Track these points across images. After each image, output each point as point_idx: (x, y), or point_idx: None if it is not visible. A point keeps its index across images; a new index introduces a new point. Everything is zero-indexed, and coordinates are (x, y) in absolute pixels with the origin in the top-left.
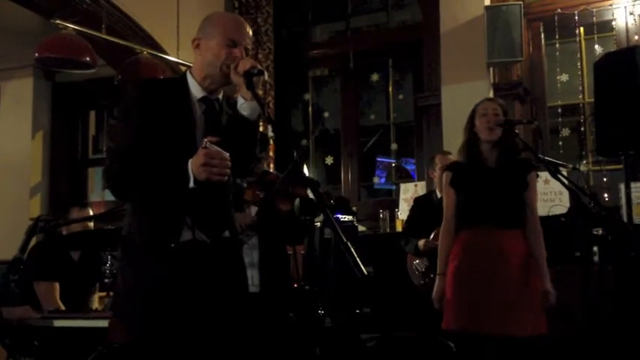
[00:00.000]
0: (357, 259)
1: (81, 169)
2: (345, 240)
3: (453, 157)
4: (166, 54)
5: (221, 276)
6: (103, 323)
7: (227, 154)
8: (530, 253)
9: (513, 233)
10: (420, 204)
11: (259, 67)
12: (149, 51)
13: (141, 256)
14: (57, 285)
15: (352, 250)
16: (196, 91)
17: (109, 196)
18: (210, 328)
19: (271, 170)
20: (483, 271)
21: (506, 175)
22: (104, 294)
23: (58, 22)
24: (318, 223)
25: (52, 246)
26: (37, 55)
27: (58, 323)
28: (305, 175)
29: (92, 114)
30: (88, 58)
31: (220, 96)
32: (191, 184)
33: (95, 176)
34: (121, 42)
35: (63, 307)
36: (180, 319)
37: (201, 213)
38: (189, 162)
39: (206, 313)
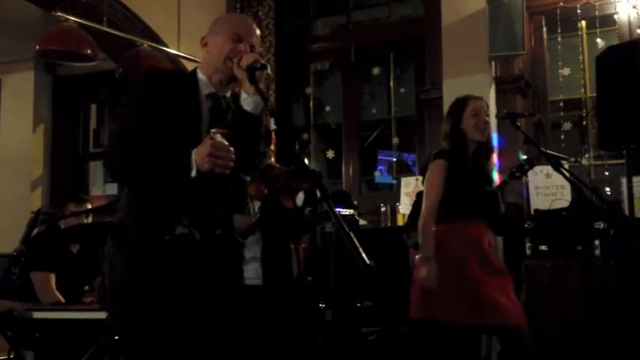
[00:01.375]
0: (360, 250)
1: (82, 163)
2: (347, 230)
3: None
4: (167, 46)
5: (213, 272)
6: (105, 315)
7: (232, 148)
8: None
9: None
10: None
11: (262, 61)
12: (150, 43)
13: (133, 248)
14: (53, 276)
15: (354, 240)
16: (205, 87)
17: (110, 190)
18: (202, 322)
19: (275, 164)
20: (480, 263)
21: (482, 174)
22: None
23: (59, 14)
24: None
25: (50, 237)
26: (38, 47)
27: (59, 315)
28: (308, 167)
29: (93, 107)
30: (89, 51)
31: (228, 94)
32: (193, 174)
33: (96, 170)
34: (122, 35)
35: (61, 298)
36: (171, 312)
37: (198, 206)
38: (194, 151)
39: (197, 307)
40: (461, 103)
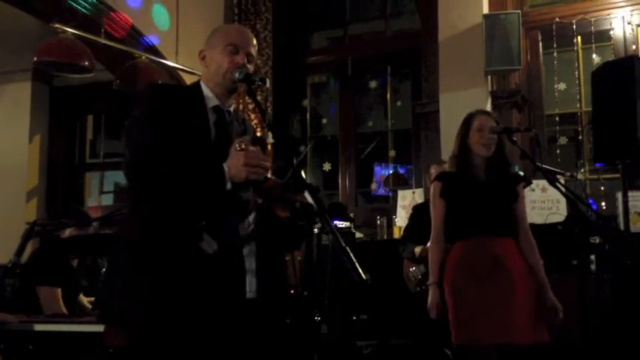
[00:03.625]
0: (356, 264)
1: (78, 174)
2: (344, 245)
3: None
4: (165, 59)
5: (226, 283)
6: (99, 328)
7: (262, 154)
8: (527, 263)
9: (506, 240)
10: (419, 211)
11: (261, 74)
12: (147, 56)
13: (154, 262)
14: (59, 290)
15: (351, 254)
16: (209, 99)
17: (105, 201)
18: (215, 336)
19: (269, 176)
20: (482, 280)
21: (496, 187)
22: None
23: (56, 26)
24: (316, 230)
25: (54, 251)
26: (35, 58)
27: (53, 328)
28: (305, 180)
29: (90, 118)
30: (86, 63)
31: (232, 108)
32: (228, 186)
33: (92, 180)
34: (120, 47)
35: (66, 312)
36: (187, 325)
37: (224, 219)
38: (225, 165)
39: (212, 320)
40: (468, 118)
